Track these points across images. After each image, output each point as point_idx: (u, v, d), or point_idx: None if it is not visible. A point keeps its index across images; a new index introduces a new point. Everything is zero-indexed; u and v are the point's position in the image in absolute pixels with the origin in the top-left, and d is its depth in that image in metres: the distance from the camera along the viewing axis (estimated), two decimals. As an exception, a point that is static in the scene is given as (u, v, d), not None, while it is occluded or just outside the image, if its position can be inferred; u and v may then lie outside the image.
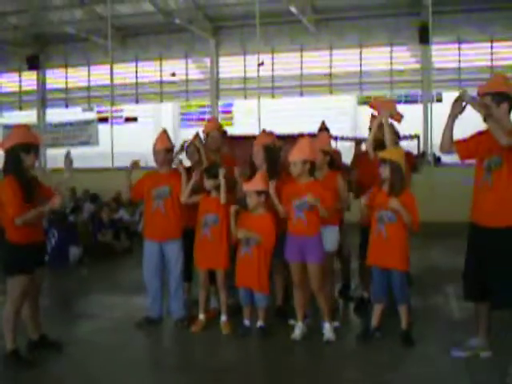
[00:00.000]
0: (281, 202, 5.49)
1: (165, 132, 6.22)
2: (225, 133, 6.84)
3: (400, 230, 5.24)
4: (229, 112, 17.63)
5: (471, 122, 4.71)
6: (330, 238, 5.82)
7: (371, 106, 6.05)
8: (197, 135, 6.64)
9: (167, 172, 6.11)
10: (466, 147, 4.73)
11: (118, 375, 4.81)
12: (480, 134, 4.70)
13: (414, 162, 6.80)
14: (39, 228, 5.16)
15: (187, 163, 6.52)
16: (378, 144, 5.78)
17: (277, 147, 6.31)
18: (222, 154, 6.56)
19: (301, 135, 6.56)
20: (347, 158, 7.07)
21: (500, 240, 4.49)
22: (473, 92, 4.72)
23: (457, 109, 4.59)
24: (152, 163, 6.25)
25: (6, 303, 4.91)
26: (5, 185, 4.82)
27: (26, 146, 4.93)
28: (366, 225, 5.66)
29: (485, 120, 4.42)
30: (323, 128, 6.96)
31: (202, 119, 17.65)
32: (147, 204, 6.11)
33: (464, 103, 4.54)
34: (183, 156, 6.59)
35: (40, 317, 5.33)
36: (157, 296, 6.14)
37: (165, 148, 6.06)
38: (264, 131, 6.56)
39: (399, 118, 5.81)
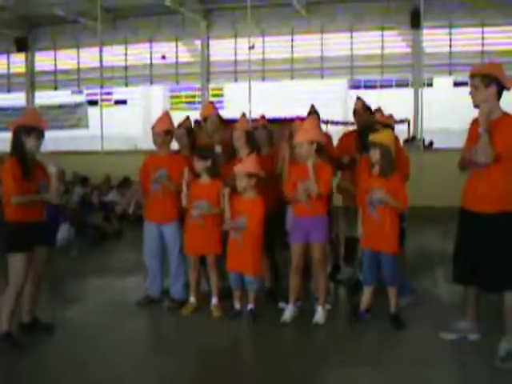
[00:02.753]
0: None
1: (167, 113, 6.21)
2: (221, 117, 6.81)
3: (391, 213, 5.28)
4: (220, 96, 17.57)
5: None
6: None
7: None
8: (187, 119, 6.63)
9: (166, 154, 6.10)
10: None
11: (107, 358, 4.82)
12: (470, 128, 4.74)
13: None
14: (39, 208, 5.15)
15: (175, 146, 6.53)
16: (368, 127, 5.85)
17: (265, 131, 6.37)
18: (221, 138, 6.51)
19: (290, 119, 6.59)
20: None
21: (491, 225, 4.52)
22: (464, 77, 4.74)
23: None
24: (141, 146, 6.23)
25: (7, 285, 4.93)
26: (6, 165, 4.93)
27: (27, 128, 5.01)
28: (349, 204, 5.77)
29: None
30: (312, 111, 6.93)
31: (192, 103, 17.61)
32: (146, 186, 6.12)
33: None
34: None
35: (38, 298, 5.34)
36: (156, 276, 6.21)
37: (164, 130, 6.04)
38: (244, 115, 6.53)
39: None
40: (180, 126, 6.53)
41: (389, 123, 6.22)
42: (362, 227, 5.50)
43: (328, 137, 6.73)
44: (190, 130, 6.50)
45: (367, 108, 6.62)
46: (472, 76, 4.61)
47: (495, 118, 4.49)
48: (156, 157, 6.15)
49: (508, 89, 4.55)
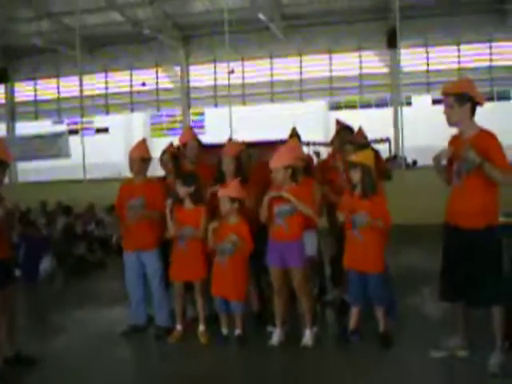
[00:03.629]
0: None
1: (144, 141, 6.20)
2: (200, 142, 6.82)
3: (375, 233, 5.27)
4: (201, 122, 17.60)
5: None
6: (310, 242, 5.84)
7: None
8: (171, 145, 6.64)
9: (142, 182, 6.07)
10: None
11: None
12: (450, 142, 4.77)
13: (385, 168, 6.84)
14: (6, 244, 5.08)
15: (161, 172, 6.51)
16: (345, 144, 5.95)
17: (246, 156, 6.38)
18: (200, 163, 6.50)
19: (271, 142, 6.62)
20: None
21: (474, 240, 4.53)
22: (439, 94, 4.79)
23: (436, 163, 4.77)
24: (125, 173, 6.21)
25: None
26: None
27: None
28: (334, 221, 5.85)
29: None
30: (294, 134, 6.96)
31: (174, 129, 17.63)
32: (123, 214, 6.06)
33: (443, 160, 4.70)
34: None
35: (15, 335, 5.26)
36: (140, 303, 6.15)
37: (141, 157, 6.04)
38: (230, 140, 6.56)
39: None
40: (165, 152, 6.53)
41: (364, 143, 6.28)
42: (346, 248, 5.48)
43: (310, 159, 6.75)
44: (175, 156, 6.50)
45: (348, 128, 6.66)
46: (445, 94, 4.65)
47: (472, 135, 4.53)
48: (131, 184, 6.11)
49: (481, 105, 4.60)
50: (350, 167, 5.35)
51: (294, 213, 5.34)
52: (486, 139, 4.49)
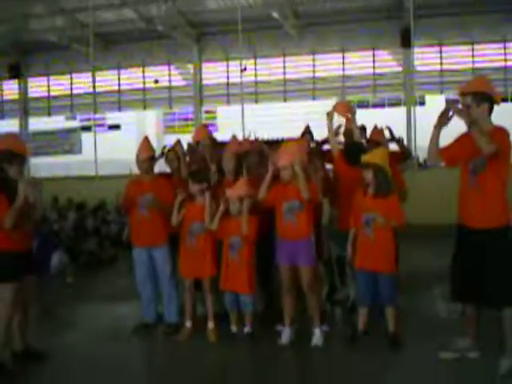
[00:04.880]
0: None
1: (146, 139, 6.21)
2: (214, 140, 6.81)
3: (387, 233, 5.24)
4: (213, 119, 17.59)
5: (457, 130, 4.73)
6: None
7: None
8: (177, 142, 6.67)
9: (151, 179, 6.08)
10: (451, 153, 4.73)
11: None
12: (463, 137, 4.69)
13: (401, 152, 6.82)
14: (26, 236, 5.11)
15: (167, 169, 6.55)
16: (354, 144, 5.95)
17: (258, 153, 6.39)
18: (215, 159, 6.48)
19: (284, 140, 6.61)
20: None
21: (489, 240, 4.50)
22: (455, 94, 4.73)
23: (444, 119, 4.58)
24: (135, 171, 6.24)
25: None
26: None
27: (7, 155, 4.95)
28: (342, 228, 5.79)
29: (469, 128, 4.42)
30: (307, 132, 6.94)
31: (186, 126, 17.65)
32: (132, 212, 6.07)
33: (450, 114, 4.54)
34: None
35: (26, 329, 5.28)
36: (151, 301, 6.17)
37: (149, 156, 6.08)
38: (234, 137, 6.57)
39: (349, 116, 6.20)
40: (171, 150, 6.57)
41: (379, 140, 6.25)
42: (356, 247, 5.45)
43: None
44: (181, 153, 6.52)
45: (361, 128, 6.63)
46: (463, 94, 4.60)
47: (488, 134, 4.46)
48: (140, 181, 6.12)
49: (498, 103, 4.55)
50: (363, 167, 5.32)
51: (303, 209, 5.31)
52: (499, 134, 4.44)
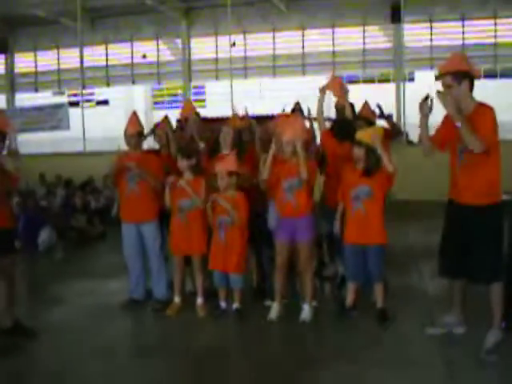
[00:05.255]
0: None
1: (135, 114, 6.16)
2: (199, 116, 6.78)
3: (377, 205, 5.27)
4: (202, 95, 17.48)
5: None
6: None
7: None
8: (166, 118, 6.63)
9: (139, 154, 6.06)
10: (440, 139, 4.72)
11: (90, 362, 4.76)
12: (446, 118, 4.66)
13: (391, 129, 6.82)
14: (5, 213, 5.08)
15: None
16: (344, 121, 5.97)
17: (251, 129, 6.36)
18: (203, 135, 6.46)
19: (272, 116, 6.58)
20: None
21: (479, 217, 4.51)
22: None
23: (425, 109, 4.59)
24: (124, 147, 6.19)
25: None
26: None
27: None
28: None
29: (455, 120, 4.39)
30: (297, 109, 6.91)
31: (175, 101, 17.55)
32: (121, 187, 6.05)
33: (429, 103, 4.55)
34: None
35: (13, 305, 5.27)
36: (140, 277, 6.17)
37: (137, 132, 6.05)
38: (236, 113, 6.54)
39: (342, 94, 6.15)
40: (159, 125, 6.53)
41: (369, 117, 6.25)
42: (344, 223, 5.46)
43: (311, 132, 6.68)
44: (169, 129, 6.50)
45: (350, 104, 6.59)
46: (442, 75, 4.54)
47: (471, 112, 4.44)
48: (129, 157, 6.06)
49: (478, 78, 4.53)
50: (356, 144, 5.30)
51: (303, 186, 5.31)
52: (483, 111, 4.41)
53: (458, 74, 4.46)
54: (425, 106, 4.58)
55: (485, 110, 4.43)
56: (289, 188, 5.36)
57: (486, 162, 4.42)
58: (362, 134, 5.34)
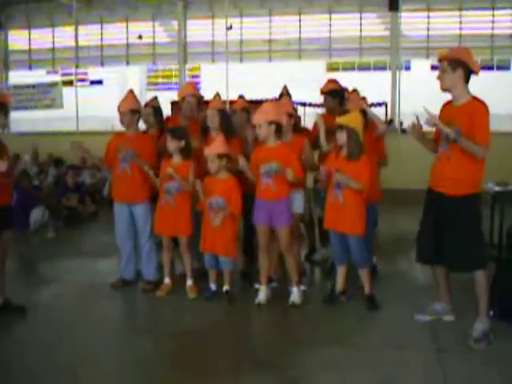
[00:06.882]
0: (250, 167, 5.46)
1: (131, 92, 6.10)
2: (201, 98, 6.68)
3: (356, 195, 5.23)
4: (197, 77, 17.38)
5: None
6: (297, 199, 5.80)
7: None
8: (155, 98, 6.59)
9: (133, 134, 6.00)
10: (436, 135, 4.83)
11: (80, 341, 4.77)
12: (442, 108, 4.75)
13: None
14: (6, 192, 5.08)
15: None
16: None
17: (245, 113, 6.34)
18: (193, 119, 6.41)
19: (265, 100, 6.55)
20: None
21: (455, 206, 4.57)
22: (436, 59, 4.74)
23: (417, 134, 4.78)
24: (118, 127, 6.15)
25: None
26: None
27: None
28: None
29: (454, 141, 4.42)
30: (285, 93, 6.82)
31: (169, 83, 17.46)
32: (114, 167, 6.02)
33: (421, 124, 4.69)
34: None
35: (3, 282, 5.27)
36: (130, 257, 6.17)
37: (130, 109, 5.93)
38: (218, 95, 6.44)
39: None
40: (147, 105, 6.49)
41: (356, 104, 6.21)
42: (326, 209, 5.45)
43: (298, 118, 6.63)
44: (157, 109, 6.46)
45: (342, 89, 6.57)
46: (440, 60, 4.62)
47: (464, 103, 4.51)
48: (123, 137, 6.02)
49: (476, 73, 4.55)
50: (337, 129, 5.30)
51: (281, 171, 5.27)
52: (476, 108, 4.45)
53: (454, 61, 4.50)
54: (414, 131, 4.76)
55: (479, 106, 4.47)
56: (266, 173, 5.33)
57: (467, 154, 4.45)
58: (344, 118, 5.33)
